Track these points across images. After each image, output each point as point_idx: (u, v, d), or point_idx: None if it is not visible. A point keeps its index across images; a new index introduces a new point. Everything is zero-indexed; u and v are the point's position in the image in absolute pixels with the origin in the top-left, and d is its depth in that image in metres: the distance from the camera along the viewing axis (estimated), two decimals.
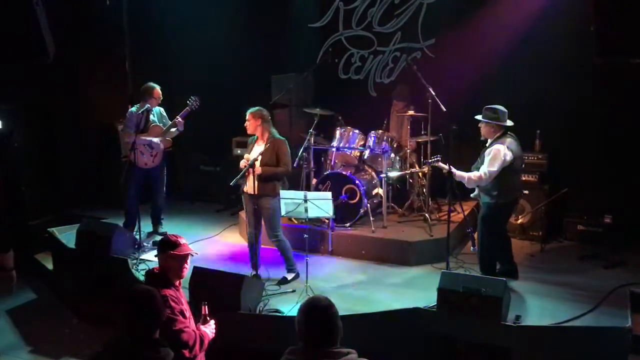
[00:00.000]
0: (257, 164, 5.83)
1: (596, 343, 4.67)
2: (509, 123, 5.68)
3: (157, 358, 3.07)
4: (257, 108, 6.01)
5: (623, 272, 6.20)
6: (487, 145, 5.72)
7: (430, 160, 5.95)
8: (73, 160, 8.49)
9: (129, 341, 3.09)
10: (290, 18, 8.64)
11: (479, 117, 5.75)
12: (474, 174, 5.62)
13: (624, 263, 6.41)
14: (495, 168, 5.52)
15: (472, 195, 6.02)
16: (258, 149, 5.99)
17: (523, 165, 6.12)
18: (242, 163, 5.94)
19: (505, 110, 5.67)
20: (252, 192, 5.93)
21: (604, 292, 5.60)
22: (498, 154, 5.51)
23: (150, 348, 3.09)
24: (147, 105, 7.03)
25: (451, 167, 5.68)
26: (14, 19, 6.53)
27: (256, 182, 5.87)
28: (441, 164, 5.75)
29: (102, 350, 3.13)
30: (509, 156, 5.52)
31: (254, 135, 6.08)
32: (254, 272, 6.07)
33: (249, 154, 6.03)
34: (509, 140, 5.62)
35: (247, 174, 5.87)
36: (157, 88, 7.13)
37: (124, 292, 3.25)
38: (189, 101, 7.15)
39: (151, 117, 7.16)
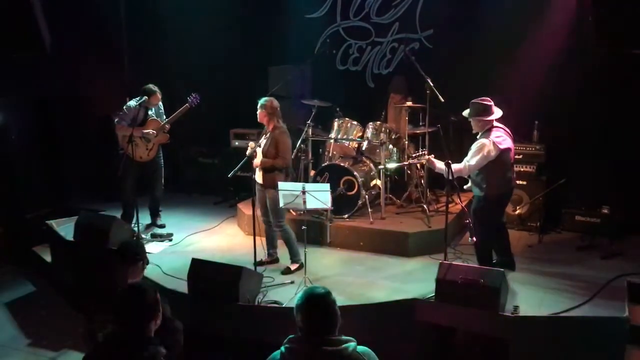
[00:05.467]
0: (259, 153, 5.95)
1: (594, 333, 4.69)
2: (498, 113, 5.61)
3: (148, 356, 3.04)
4: (265, 99, 6.07)
5: (620, 262, 6.21)
6: (477, 137, 5.68)
7: (414, 155, 5.94)
8: (71, 152, 8.48)
9: (122, 337, 3.07)
10: (288, 9, 8.60)
11: (465, 113, 5.71)
12: (455, 166, 5.54)
13: (622, 254, 6.41)
14: (474, 162, 5.47)
15: (465, 187, 6.01)
16: (264, 139, 6.07)
17: (514, 157, 6.06)
18: (248, 152, 6.01)
19: (491, 102, 5.58)
20: (260, 182, 6.07)
21: (602, 283, 5.62)
22: (482, 148, 5.45)
23: (142, 345, 3.06)
24: (145, 98, 7.02)
25: (432, 157, 5.66)
26: (10, 12, 6.52)
27: (261, 172, 6.02)
28: (426, 157, 5.73)
29: (97, 345, 3.10)
30: (493, 152, 5.43)
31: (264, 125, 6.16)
32: (266, 255, 6.30)
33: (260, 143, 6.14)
34: (497, 133, 5.52)
35: (253, 163, 5.97)
36: (158, 94, 7.12)
37: (118, 288, 3.24)
38: (189, 98, 7.14)
39: (149, 111, 7.15)
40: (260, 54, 8.64)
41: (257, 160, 5.97)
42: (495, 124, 5.62)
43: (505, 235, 6.01)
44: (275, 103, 6.03)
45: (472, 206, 5.90)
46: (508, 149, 5.62)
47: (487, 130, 5.58)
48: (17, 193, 7.64)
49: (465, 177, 5.78)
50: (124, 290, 3.18)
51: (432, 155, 5.78)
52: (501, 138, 5.53)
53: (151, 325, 3.13)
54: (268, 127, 6.05)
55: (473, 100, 5.64)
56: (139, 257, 4.01)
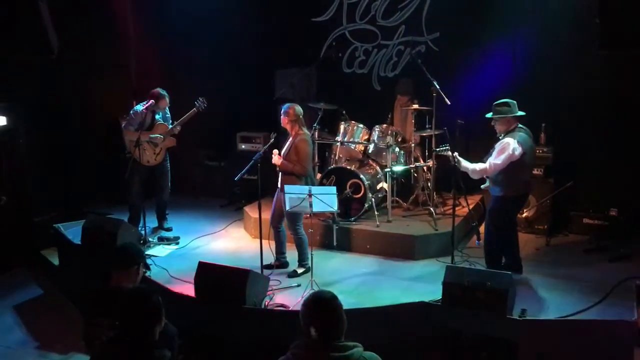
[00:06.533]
0: (275, 158, 6.00)
1: (602, 336, 4.65)
2: (520, 113, 5.65)
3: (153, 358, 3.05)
4: (288, 105, 6.13)
5: (629, 265, 6.19)
6: (500, 137, 5.69)
7: (438, 149, 5.95)
8: (78, 156, 8.50)
9: (126, 341, 3.07)
10: (294, 12, 8.61)
11: (489, 115, 5.71)
12: (478, 165, 5.60)
13: (630, 256, 6.39)
14: (500, 161, 5.49)
15: (482, 186, 6.00)
16: (287, 144, 6.12)
17: (535, 160, 6.10)
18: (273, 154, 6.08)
19: (514, 102, 5.65)
20: (279, 185, 6.11)
21: (610, 286, 5.58)
22: (507, 147, 5.48)
23: (148, 348, 3.07)
24: (152, 102, 7.03)
25: (456, 155, 5.67)
26: (17, 16, 6.55)
27: (280, 176, 6.06)
28: (449, 153, 5.74)
29: (102, 348, 3.10)
30: (518, 151, 5.47)
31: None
32: (274, 260, 6.30)
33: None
34: (520, 134, 5.57)
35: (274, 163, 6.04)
36: (166, 98, 7.11)
37: (124, 291, 3.24)
38: (197, 102, 7.15)
39: (156, 115, 7.17)
40: (267, 57, 8.64)
41: (275, 159, 6.01)
42: (519, 125, 5.64)
43: (515, 238, 6.00)
44: (298, 109, 6.06)
45: (488, 206, 5.90)
46: (530, 151, 5.65)
47: (512, 130, 5.59)
48: (24, 196, 7.66)
49: (486, 177, 5.77)
50: (128, 294, 3.18)
51: (457, 153, 5.74)
52: (524, 139, 5.56)
53: (156, 329, 3.13)
54: (290, 133, 6.10)
55: (497, 102, 5.64)
56: (134, 262, 3.99)
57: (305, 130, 6.12)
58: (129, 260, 3.97)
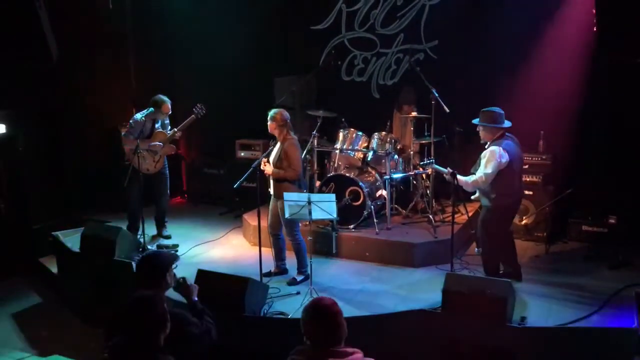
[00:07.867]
0: (267, 165, 5.98)
1: (602, 344, 4.65)
2: (507, 124, 5.63)
3: None
4: (274, 110, 6.08)
5: (629, 272, 6.18)
6: (485, 147, 5.69)
7: (422, 163, 5.95)
8: (77, 163, 8.51)
9: (132, 347, 3.07)
10: (293, 20, 8.65)
11: (476, 121, 5.72)
12: (471, 178, 5.58)
13: (629, 263, 6.38)
14: (490, 170, 5.47)
15: (472, 197, 6.00)
16: (275, 150, 6.09)
17: (523, 167, 6.07)
18: (254, 163, 6.02)
19: (502, 112, 5.62)
20: (272, 192, 6.11)
21: (610, 293, 5.58)
22: (493, 156, 5.46)
23: (153, 355, 3.07)
24: (151, 110, 7.04)
25: (455, 171, 5.64)
26: (16, 23, 6.57)
27: (273, 183, 6.05)
28: (436, 166, 5.74)
29: (105, 356, 3.10)
30: (504, 158, 5.45)
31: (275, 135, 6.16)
32: (274, 267, 6.31)
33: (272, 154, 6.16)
34: (505, 142, 5.54)
35: (265, 174, 6.00)
36: (167, 103, 7.08)
37: (129, 297, 3.24)
38: (195, 109, 7.15)
39: (155, 124, 7.17)
40: (266, 65, 8.67)
41: (268, 169, 5.99)
42: (507, 133, 5.63)
43: (512, 246, 6.00)
44: (285, 114, 6.04)
45: (480, 216, 5.89)
46: (517, 158, 5.62)
47: (497, 138, 5.58)
48: (24, 204, 7.66)
49: (475, 189, 5.76)
50: (135, 300, 3.18)
51: (449, 168, 5.71)
52: (510, 146, 5.54)
53: (161, 335, 3.14)
54: (279, 138, 6.07)
55: (484, 109, 5.64)
56: (161, 276, 3.87)
57: (293, 135, 6.10)
58: (156, 277, 3.83)
